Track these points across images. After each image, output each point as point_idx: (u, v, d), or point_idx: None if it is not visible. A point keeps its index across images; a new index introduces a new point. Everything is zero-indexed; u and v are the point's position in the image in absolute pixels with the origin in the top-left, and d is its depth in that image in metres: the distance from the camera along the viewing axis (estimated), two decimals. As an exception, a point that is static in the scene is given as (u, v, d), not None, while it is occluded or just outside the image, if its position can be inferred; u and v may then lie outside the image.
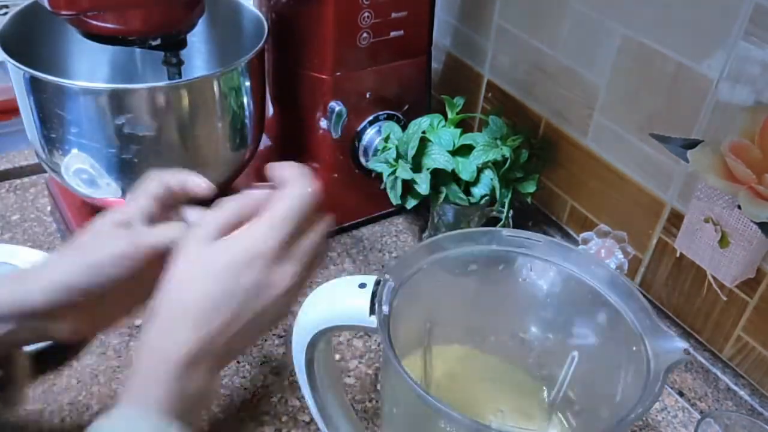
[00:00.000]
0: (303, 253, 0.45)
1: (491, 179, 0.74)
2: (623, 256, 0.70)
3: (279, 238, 0.43)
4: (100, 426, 0.41)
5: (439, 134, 0.76)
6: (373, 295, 0.44)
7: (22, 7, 0.72)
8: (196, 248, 0.44)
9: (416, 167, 0.74)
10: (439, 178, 0.74)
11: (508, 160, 0.74)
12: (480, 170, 0.74)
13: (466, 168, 0.73)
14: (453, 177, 0.74)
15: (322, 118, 0.80)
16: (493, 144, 0.75)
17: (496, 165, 0.74)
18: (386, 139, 0.80)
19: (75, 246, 0.49)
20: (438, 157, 0.73)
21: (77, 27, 0.65)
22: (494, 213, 0.78)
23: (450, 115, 0.79)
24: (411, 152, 0.74)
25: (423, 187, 0.73)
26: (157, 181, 0.51)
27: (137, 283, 0.48)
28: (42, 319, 0.47)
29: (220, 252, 0.44)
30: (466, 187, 0.75)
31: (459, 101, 0.79)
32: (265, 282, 0.43)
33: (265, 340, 0.70)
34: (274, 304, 0.44)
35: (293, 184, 0.45)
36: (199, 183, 0.50)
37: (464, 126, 0.79)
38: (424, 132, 0.75)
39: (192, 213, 0.51)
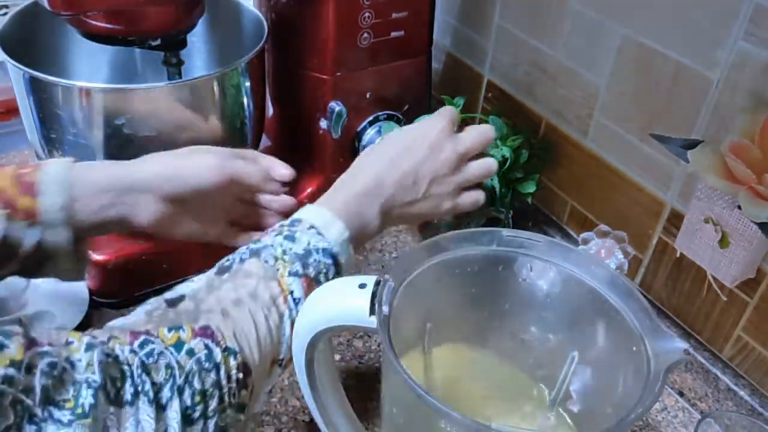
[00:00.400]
0: (466, 144, 0.61)
1: (491, 179, 0.74)
2: (623, 256, 0.70)
3: (447, 119, 0.61)
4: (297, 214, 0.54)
5: None
6: (373, 295, 0.44)
7: (22, 7, 0.72)
8: (395, 131, 0.63)
9: None
10: None
11: (509, 160, 0.74)
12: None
13: None
14: None
15: (322, 118, 0.80)
16: (493, 144, 0.75)
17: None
18: None
19: (173, 152, 0.59)
20: None
21: (77, 27, 0.65)
22: (494, 213, 0.78)
23: None
24: None
25: None
26: (251, 156, 0.62)
27: (211, 207, 0.61)
28: (133, 200, 0.57)
29: (408, 129, 0.62)
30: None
31: (459, 101, 0.79)
32: (435, 148, 0.59)
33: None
34: (436, 173, 0.59)
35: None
36: (282, 172, 0.62)
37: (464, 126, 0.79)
38: None
39: (264, 198, 0.63)
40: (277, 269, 0.49)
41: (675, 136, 0.66)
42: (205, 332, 0.44)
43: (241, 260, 0.50)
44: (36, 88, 0.65)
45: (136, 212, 0.57)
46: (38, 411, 0.35)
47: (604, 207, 0.78)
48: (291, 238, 0.51)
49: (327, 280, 0.51)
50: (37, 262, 0.56)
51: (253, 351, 0.45)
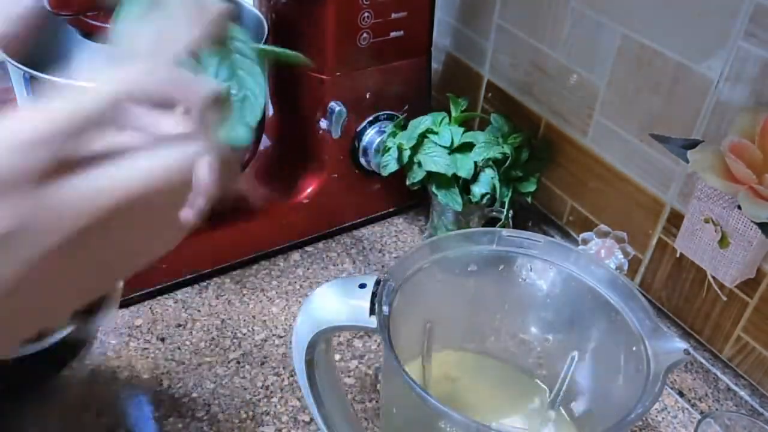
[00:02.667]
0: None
1: (492, 178, 0.74)
2: (623, 256, 0.70)
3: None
4: None
5: (442, 132, 0.76)
6: (373, 295, 0.44)
7: (22, 7, 0.72)
8: None
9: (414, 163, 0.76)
10: (439, 181, 0.74)
11: (509, 158, 0.74)
12: (480, 169, 0.74)
13: (463, 165, 0.73)
14: (453, 179, 0.74)
15: (322, 118, 0.80)
16: (494, 141, 0.75)
17: (497, 163, 0.74)
18: (392, 134, 0.80)
19: None
20: (438, 160, 0.74)
21: (77, 27, 0.65)
22: (494, 213, 0.78)
23: (454, 114, 0.79)
24: (409, 152, 0.75)
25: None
26: None
27: None
28: None
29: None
30: (466, 185, 0.75)
31: (463, 102, 0.79)
32: None
33: (266, 341, 0.70)
34: None
35: None
36: None
37: (465, 126, 0.79)
38: (424, 132, 0.76)
39: None
40: None
41: (675, 136, 0.66)
42: None
43: None
44: (36, 88, 0.65)
45: None
46: None
47: (604, 207, 0.78)
48: None
49: None
50: None
51: None
